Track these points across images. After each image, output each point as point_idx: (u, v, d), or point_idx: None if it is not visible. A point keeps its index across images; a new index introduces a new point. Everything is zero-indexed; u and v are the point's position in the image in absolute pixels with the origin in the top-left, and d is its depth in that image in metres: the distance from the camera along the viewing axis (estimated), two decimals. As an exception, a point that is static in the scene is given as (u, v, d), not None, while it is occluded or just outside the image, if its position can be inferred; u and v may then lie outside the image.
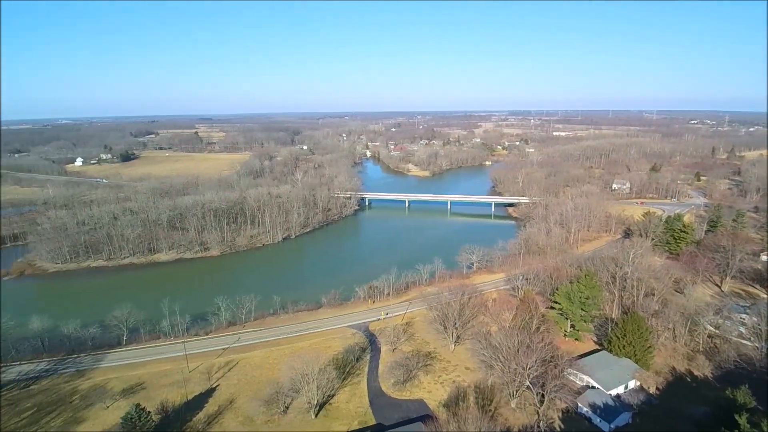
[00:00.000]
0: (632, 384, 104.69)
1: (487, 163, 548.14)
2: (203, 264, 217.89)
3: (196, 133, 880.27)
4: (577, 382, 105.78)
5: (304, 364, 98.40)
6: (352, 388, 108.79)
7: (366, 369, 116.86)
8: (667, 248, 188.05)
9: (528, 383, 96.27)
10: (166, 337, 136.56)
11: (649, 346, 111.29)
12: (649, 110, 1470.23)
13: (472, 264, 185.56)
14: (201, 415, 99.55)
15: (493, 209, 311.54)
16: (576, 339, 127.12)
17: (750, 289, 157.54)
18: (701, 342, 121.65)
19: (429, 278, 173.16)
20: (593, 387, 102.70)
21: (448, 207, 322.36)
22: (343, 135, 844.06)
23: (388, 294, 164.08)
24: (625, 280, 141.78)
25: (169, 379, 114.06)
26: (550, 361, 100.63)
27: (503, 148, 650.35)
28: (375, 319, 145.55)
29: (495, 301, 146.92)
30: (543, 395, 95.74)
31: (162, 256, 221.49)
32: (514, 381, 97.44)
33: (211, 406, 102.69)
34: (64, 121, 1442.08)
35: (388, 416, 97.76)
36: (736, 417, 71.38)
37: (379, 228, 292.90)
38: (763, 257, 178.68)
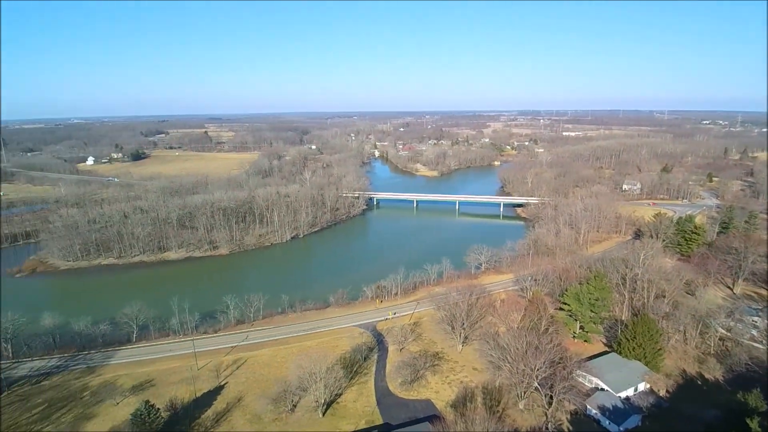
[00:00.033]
0: (642, 386, 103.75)
1: (496, 163, 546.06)
2: (212, 262, 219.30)
3: (205, 132, 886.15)
4: (586, 384, 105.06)
5: (311, 363, 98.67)
6: (359, 387, 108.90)
7: (373, 368, 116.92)
8: (678, 250, 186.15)
9: (536, 385, 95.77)
10: (175, 335, 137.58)
11: (660, 349, 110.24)
12: (660, 110, 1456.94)
13: (481, 264, 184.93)
14: (209, 413, 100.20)
15: (501, 210, 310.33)
16: (585, 341, 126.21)
17: (762, 291, 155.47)
18: (712, 345, 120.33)
19: (437, 278, 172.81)
20: (602, 389, 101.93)
21: (457, 207, 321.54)
22: (352, 135, 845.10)
23: (396, 294, 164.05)
24: (636, 282, 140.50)
25: (178, 376, 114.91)
26: (559, 363, 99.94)
27: (512, 148, 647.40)
28: (383, 318, 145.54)
29: (503, 302, 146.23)
30: (551, 397, 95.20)
31: (171, 255, 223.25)
32: (523, 382, 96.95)
33: (219, 404, 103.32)
34: (76, 120, 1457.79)
35: (395, 416, 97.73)
36: (748, 421, 70.59)
37: (387, 228, 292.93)
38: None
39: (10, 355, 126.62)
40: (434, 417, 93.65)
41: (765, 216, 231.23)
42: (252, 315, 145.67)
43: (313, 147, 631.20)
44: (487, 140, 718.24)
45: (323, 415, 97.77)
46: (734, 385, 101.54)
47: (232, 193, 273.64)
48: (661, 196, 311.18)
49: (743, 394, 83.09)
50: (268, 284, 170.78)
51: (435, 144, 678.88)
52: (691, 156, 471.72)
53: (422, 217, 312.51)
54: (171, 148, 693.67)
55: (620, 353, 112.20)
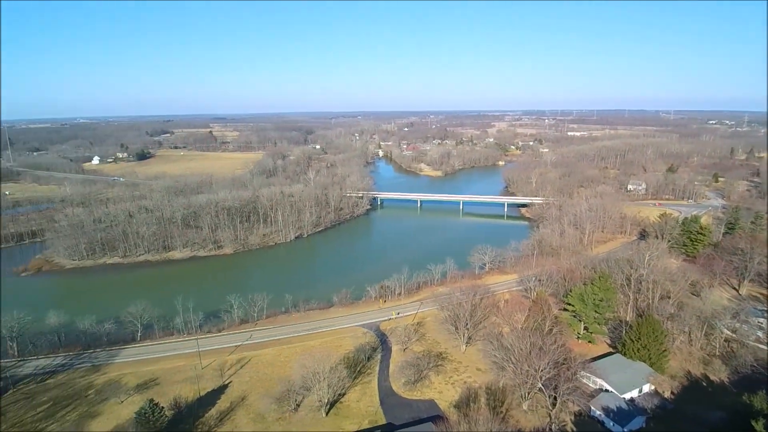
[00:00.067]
0: (646, 388, 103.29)
1: (501, 163, 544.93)
2: (216, 262, 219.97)
3: (210, 132, 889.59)
4: (590, 385, 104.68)
5: (315, 363, 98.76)
6: (362, 387, 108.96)
7: (377, 368, 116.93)
8: (683, 250, 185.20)
9: (540, 385, 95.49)
10: (179, 334, 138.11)
11: (664, 350, 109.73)
12: (666, 110, 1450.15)
13: (485, 264, 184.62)
14: (213, 411, 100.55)
15: (506, 210, 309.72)
16: (589, 341, 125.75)
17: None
18: (718, 346, 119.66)
19: (441, 278, 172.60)
20: (606, 390, 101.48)
21: (461, 207, 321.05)
22: (356, 134, 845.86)
23: (400, 294, 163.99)
24: (641, 283, 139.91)
25: (182, 375, 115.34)
26: (563, 364, 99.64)
27: (517, 148, 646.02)
28: (386, 318, 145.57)
29: (507, 302, 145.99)
30: (555, 398, 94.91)
31: (176, 254, 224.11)
32: (526, 383, 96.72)
33: (223, 403, 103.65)
34: (82, 120, 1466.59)
35: (398, 416, 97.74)
36: (753, 423, 70.20)
37: (390, 228, 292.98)
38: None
39: (16, 353, 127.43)
40: (437, 417, 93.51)
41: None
42: (256, 314, 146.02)
43: (318, 147, 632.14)
44: (491, 140, 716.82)
45: (326, 414, 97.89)
46: (739, 387, 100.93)
47: (236, 192, 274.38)
48: (667, 197, 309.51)
49: (748, 396, 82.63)
50: (271, 284, 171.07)
51: (439, 144, 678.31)
52: (697, 156, 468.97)
53: (426, 217, 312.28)
54: (176, 147, 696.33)
55: (625, 354, 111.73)
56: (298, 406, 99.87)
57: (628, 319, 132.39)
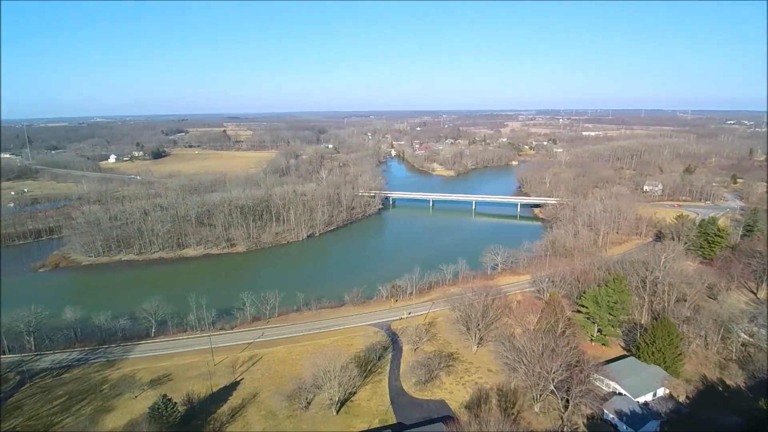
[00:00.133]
0: (661, 392, 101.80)
1: (514, 163, 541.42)
2: (229, 260, 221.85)
3: (224, 131, 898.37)
4: (604, 388, 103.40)
5: (326, 361, 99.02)
6: (373, 386, 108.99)
7: (388, 368, 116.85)
8: (700, 253, 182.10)
9: (552, 388, 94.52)
10: (192, 331, 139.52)
11: (680, 354, 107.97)
12: (684, 110, 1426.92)
13: (497, 265, 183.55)
14: (225, 408, 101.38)
15: (519, 210, 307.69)
16: (603, 344, 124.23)
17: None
18: (734, 350, 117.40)
19: (452, 278, 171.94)
20: (620, 393, 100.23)
21: (473, 207, 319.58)
22: (368, 134, 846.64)
23: (411, 293, 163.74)
24: (656, 285, 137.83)
25: (195, 371, 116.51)
26: (576, 366, 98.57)
27: (530, 148, 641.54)
28: (397, 318, 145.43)
29: (519, 303, 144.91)
30: (568, 400, 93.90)
31: (190, 251, 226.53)
32: (538, 385, 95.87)
33: (235, 399, 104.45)
34: (99, 119, 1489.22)
35: (409, 416, 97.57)
36: (772, 429, 68.67)
37: (402, 227, 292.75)
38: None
39: (33, 347, 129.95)
40: (448, 418, 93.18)
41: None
42: (268, 312, 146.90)
43: (330, 146, 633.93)
44: (504, 140, 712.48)
45: (337, 413, 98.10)
46: (756, 392, 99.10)
47: (249, 191, 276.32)
48: (684, 198, 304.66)
49: (765, 402, 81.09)
50: (283, 282, 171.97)
51: (452, 143, 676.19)
52: (714, 157, 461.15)
53: (438, 217, 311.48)
54: (190, 146, 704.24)
55: (639, 357, 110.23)
56: (309, 404, 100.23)
57: (642, 321, 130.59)
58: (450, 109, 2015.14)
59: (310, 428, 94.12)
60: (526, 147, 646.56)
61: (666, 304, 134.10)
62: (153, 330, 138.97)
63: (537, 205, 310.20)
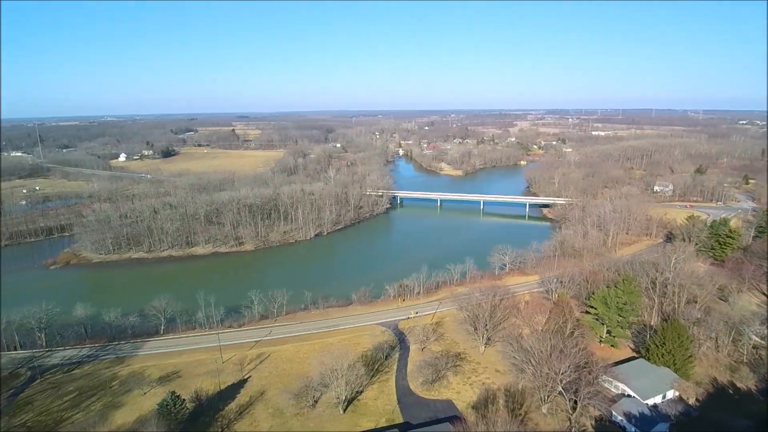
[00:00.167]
0: (670, 394, 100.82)
1: (522, 162, 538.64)
2: (238, 258, 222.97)
3: (233, 130, 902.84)
4: (612, 389, 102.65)
5: (333, 360, 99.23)
6: (380, 385, 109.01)
7: (395, 367, 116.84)
8: (711, 254, 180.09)
9: (560, 389, 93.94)
10: (201, 328, 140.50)
11: (690, 356, 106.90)
12: (695, 110, 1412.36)
13: (505, 265, 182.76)
14: (233, 405, 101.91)
15: (527, 210, 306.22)
16: (612, 345, 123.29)
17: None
18: (745, 353, 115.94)
19: (460, 278, 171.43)
20: (629, 395, 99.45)
21: (481, 207, 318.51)
22: (376, 133, 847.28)
23: (419, 293, 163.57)
24: (666, 286, 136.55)
25: (203, 368, 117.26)
26: (584, 367, 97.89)
27: (539, 148, 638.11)
28: (404, 317, 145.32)
29: (527, 304, 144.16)
30: (576, 402, 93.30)
31: (199, 250, 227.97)
32: (546, 386, 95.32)
33: (242, 397, 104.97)
34: (110, 118, 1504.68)
35: (415, 415, 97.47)
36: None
37: (410, 226, 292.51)
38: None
39: (44, 343, 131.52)
40: (455, 418, 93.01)
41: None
42: (275, 310, 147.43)
43: (338, 145, 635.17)
44: (513, 139, 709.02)
45: (344, 411, 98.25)
46: (767, 395, 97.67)
47: (257, 190, 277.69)
48: (695, 198, 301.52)
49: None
50: (291, 281, 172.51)
51: (460, 143, 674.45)
52: (726, 157, 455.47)
53: (446, 217, 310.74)
54: (199, 145, 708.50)
55: (648, 359, 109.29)
56: (316, 402, 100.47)
57: (652, 323, 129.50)
58: (458, 108, 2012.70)
59: (317, 426, 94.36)
60: (534, 147, 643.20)
61: (676, 305, 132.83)
62: (162, 327, 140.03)
63: (546, 205, 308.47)
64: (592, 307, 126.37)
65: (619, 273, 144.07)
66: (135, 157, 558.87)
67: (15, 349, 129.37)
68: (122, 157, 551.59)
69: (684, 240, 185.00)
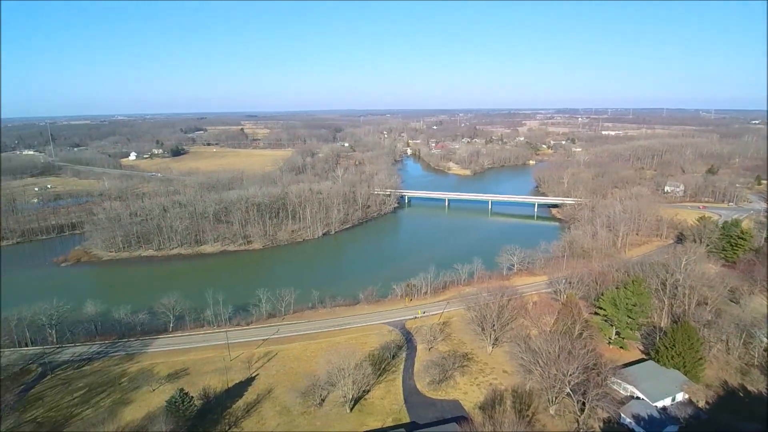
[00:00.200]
0: (680, 396, 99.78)
1: (531, 162, 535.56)
2: (246, 256, 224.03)
3: (241, 129, 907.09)
4: (621, 391, 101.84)
5: (340, 359, 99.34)
6: (387, 384, 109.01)
7: (402, 367, 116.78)
8: (722, 255, 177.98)
9: (568, 390, 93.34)
10: (209, 326, 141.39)
11: (700, 358, 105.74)
12: (707, 109, 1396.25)
13: (513, 265, 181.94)
14: (240, 403, 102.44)
15: (536, 210, 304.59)
16: (621, 347, 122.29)
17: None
18: (756, 355, 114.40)
19: (467, 278, 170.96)
20: (638, 398, 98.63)
21: (489, 207, 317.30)
22: (384, 132, 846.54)
23: (426, 292, 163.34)
24: (676, 288, 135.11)
25: (211, 366, 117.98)
26: (593, 369, 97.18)
27: (548, 147, 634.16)
28: (412, 317, 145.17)
29: (536, 304, 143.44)
30: (584, 403, 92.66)
31: (207, 248, 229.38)
32: (554, 387, 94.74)
33: (250, 395, 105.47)
34: (120, 117, 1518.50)
35: (422, 415, 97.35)
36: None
37: (418, 226, 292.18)
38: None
39: (55, 340, 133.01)
40: (462, 418, 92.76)
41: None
42: (283, 309, 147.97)
43: (346, 144, 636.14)
44: (522, 139, 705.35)
45: (351, 410, 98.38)
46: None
47: (266, 189, 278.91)
48: (706, 199, 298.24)
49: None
50: (299, 279, 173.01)
51: (468, 142, 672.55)
52: (738, 157, 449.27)
53: (454, 216, 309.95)
54: (209, 144, 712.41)
55: (658, 361, 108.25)
56: (323, 400, 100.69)
57: (662, 325, 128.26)
58: (467, 107, 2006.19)
59: (323, 425, 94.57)
60: (543, 146, 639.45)
61: (686, 307, 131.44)
62: (171, 325, 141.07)
63: (555, 206, 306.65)
64: (601, 308, 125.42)
65: (629, 274, 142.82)
66: (145, 156, 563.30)
67: (26, 346, 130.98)
68: (132, 156, 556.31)
69: (695, 241, 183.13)
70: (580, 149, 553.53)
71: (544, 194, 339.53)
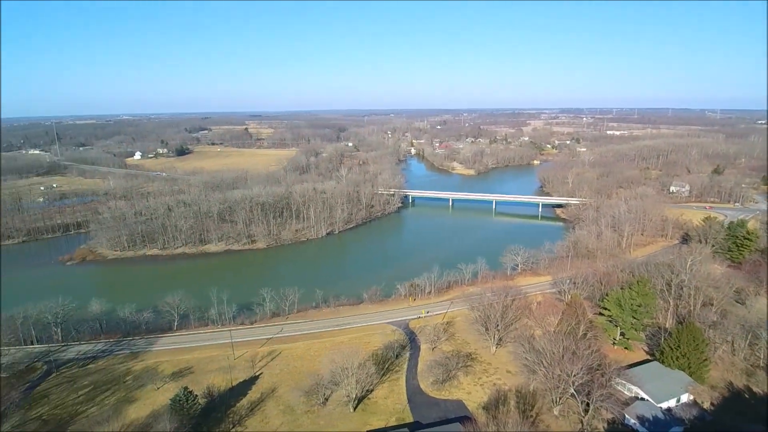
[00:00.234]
0: (685, 398, 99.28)
1: (536, 162, 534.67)
2: (250, 256, 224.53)
3: (246, 129, 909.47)
4: (625, 392, 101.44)
5: (344, 358, 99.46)
6: (390, 384, 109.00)
7: (405, 366, 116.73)
8: (728, 256, 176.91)
9: (572, 391, 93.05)
10: (213, 325, 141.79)
11: (705, 359, 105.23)
12: (712, 109, 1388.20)
13: (517, 265, 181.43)
14: (244, 401, 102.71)
15: (540, 210, 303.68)
16: (625, 348, 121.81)
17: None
18: (762, 357, 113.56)
19: (471, 278, 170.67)
20: (642, 399, 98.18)
21: (493, 207, 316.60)
22: (388, 132, 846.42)
23: (430, 292, 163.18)
24: (682, 288, 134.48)
25: (215, 365, 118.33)
26: (597, 370, 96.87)
27: (553, 147, 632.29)
28: (415, 317, 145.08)
29: (540, 305, 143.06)
30: (588, 404, 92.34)
31: (212, 247, 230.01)
32: (558, 388, 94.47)
33: (254, 393, 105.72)
34: (125, 116, 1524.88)
35: (425, 415, 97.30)
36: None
37: (421, 226, 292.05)
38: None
39: (60, 338, 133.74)
40: (465, 418, 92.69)
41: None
42: (287, 308, 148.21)
43: (350, 144, 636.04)
44: (526, 138, 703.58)
45: (354, 409, 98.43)
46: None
47: (270, 188, 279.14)
48: (712, 199, 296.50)
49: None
50: (302, 279, 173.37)
51: (472, 142, 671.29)
52: (744, 157, 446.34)
53: (458, 216, 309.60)
54: (213, 144, 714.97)
55: (663, 362, 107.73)
56: (327, 400, 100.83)
57: (667, 325, 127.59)
58: (471, 107, 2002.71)
59: (327, 424, 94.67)
60: (548, 146, 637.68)
61: (692, 308, 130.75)
62: (175, 323, 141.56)
63: (559, 206, 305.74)
64: (605, 308, 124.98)
65: (634, 274, 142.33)
66: (150, 156, 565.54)
67: (32, 344, 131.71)
68: (137, 155, 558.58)
69: (700, 241, 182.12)
70: (584, 149, 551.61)
71: (548, 194, 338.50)
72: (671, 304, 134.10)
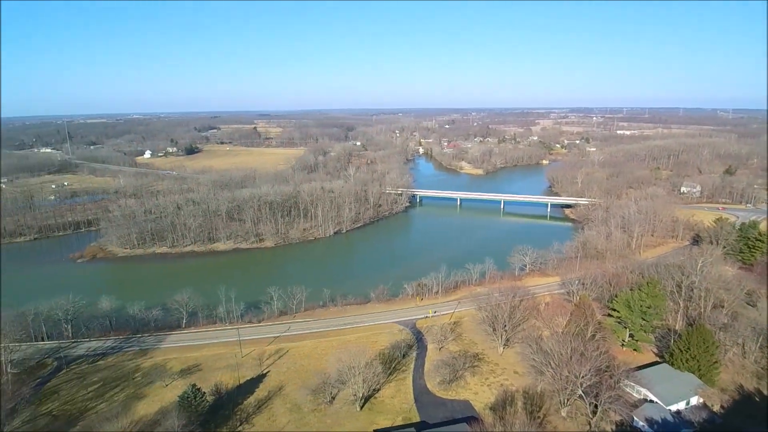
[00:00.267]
0: (694, 400, 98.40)
1: (545, 162, 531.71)
2: (258, 254, 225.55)
3: (254, 128, 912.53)
4: (634, 394, 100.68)
5: (351, 357, 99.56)
6: (397, 383, 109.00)
7: (412, 366, 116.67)
8: (739, 257, 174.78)
9: (580, 392, 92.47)
10: (221, 323, 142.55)
11: (715, 362, 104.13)
12: (724, 108, 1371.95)
13: (525, 266, 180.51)
14: (251, 399, 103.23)
15: (549, 210, 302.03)
16: (635, 349, 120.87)
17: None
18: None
19: (479, 278, 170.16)
20: (651, 401, 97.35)
21: (501, 206, 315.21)
22: (396, 131, 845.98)
23: (437, 292, 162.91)
24: (692, 290, 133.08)
25: (223, 362, 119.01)
26: (606, 371, 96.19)
27: (562, 147, 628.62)
28: (422, 316, 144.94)
29: (548, 305, 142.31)
30: (596, 406, 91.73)
31: (220, 245, 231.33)
32: (566, 389, 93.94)
33: (261, 391, 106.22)
34: (135, 115, 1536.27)
35: (432, 414, 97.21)
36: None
37: (429, 225, 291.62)
38: None
39: (70, 335, 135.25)
40: (472, 418, 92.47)
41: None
42: (294, 307, 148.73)
43: (358, 143, 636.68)
44: (535, 138, 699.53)
45: (361, 408, 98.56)
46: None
47: (278, 187, 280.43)
48: (723, 200, 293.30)
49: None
50: (310, 277, 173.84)
51: (480, 141, 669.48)
52: (757, 157, 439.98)
53: (465, 216, 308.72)
54: (222, 143, 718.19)
55: (672, 364, 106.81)
56: (334, 398, 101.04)
57: (677, 327, 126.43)
58: (479, 106, 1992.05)
59: (334, 423, 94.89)
60: (557, 146, 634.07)
61: (702, 310, 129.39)
62: (184, 321, 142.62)
63: (568, 206, 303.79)
64: (614, 310, 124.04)
65: (644, 276, 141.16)
66: (160, 154, 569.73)
67: (42, 340, 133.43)
68: (147, 154, 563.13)
69: (711, 243, 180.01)
70: (594, 149, 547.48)
71: (557, 194, 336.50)
72: (681, 305, 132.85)
